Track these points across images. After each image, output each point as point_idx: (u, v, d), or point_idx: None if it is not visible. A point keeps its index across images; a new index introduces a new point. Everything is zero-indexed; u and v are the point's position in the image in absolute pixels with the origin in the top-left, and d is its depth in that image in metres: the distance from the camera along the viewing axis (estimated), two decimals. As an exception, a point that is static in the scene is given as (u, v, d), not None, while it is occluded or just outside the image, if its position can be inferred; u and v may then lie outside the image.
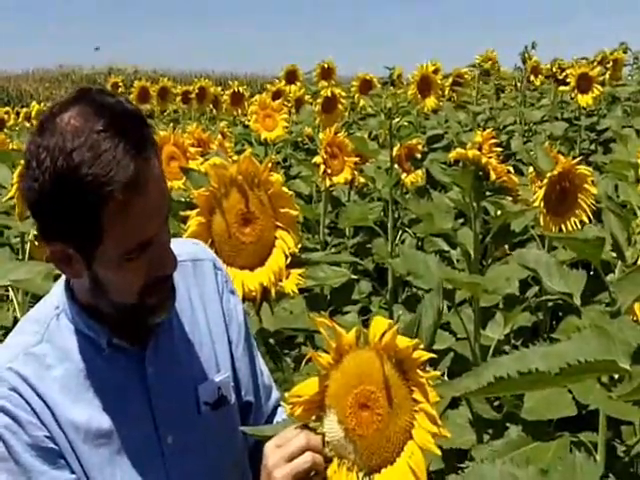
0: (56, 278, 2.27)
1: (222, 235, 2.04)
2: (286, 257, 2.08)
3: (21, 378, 1.53)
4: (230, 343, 1.80)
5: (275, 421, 1.87)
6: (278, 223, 2.09)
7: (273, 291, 2.08)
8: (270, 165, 2.04)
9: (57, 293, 1.65)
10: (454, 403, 2.69)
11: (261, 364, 1.92)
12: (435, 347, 3.12)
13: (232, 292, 1.85)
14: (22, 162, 2.89)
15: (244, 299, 2.02)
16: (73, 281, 1.60)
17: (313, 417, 1.34)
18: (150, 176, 1.43)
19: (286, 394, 1.36)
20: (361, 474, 1.31)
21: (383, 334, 1.28)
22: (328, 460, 1.33)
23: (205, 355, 1.74)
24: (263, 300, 2.10)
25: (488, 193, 2.64)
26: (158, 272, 1.53)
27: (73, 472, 1.55)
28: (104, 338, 1.58)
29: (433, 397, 1.28)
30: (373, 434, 1.29)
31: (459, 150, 2.69)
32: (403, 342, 1.27)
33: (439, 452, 1.29)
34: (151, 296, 1.54)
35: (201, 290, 1.78)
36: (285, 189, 2.08)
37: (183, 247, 1.76)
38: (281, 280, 2.11)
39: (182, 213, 2.02)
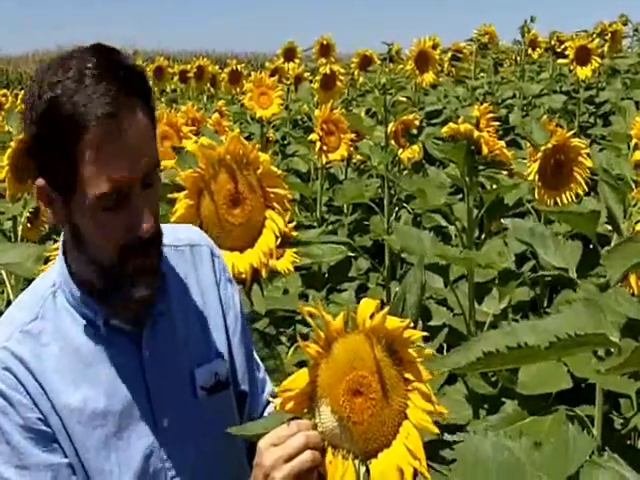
0: (46, 261, 2.26)
1: (211, 217, 2.02)
2: (276, 237, 2.06)
3: (16, 358, 1.51)
4: (227, 331, 1.78)
5: (267, 413, 1.85)
6: (267, 203, 2.07)
7: (264, 272, 2.07)
8: (258, 145, 2.02)
9: (55, 270, 1.63)
10: (451, 379, 2.69)
11: (257, 358, 1.92)
12: (432, 323, 3.14)
13: (229, 281, 1.83)
14: (12, 144, 2.92)
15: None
16: (69, 254, 1.58)
17: (305, 410, 1.32)
18: (129, 119, 1.43)
19: (276, 389, 1.34)
20: (357, 461, 1.30)
21: (371, 316, 1.25)
22: (322, 451, 1.31)
23: (202, 340, 1.72)
24: (253, 282, 2.08)
25: (481, 167, 2.62)
26: (133, 232, 1.48)
27: (66, 456, 1.53)
28: (101, 318, 1.57)
29: (426, 375, 1.27)
30: (368, 420, 1.27)
31: (451, 125, 2.67)
32: (393, 323, 1.25)
33: (436, 430, 1.28)
34: (128, 261, 1.51)
35: (199, 276, 1.76)
36: (274, 168, 2.06)
37: (181, 233, 1.77)
38: (272, 259, 2.09)
39: (170, 195, 2.00)
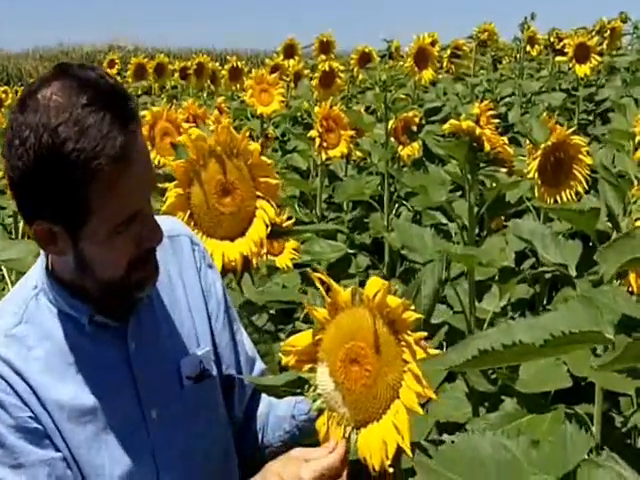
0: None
1: (201, 206, 2.04)
2: (267, 227, 2.08)
3: (3, 361, 1.53)
4: (209, 317, 1.81)
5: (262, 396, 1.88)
6: (258, 193, 2.09)
7: (254, 261, 2.08)
8: (248, 134, 2.04)
9: (35, 272, 1.64)
10: (451, 377, 2.68)
11: (244, 337, 1.92)
12: (431, 321, 3.13)
13: (210, 267, 1.85)
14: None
15: (225, 270, 2.02)
16: (54, 259, 1.59)
17: (306, 368, 1.39)
18: (136, 148, 1.42)
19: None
20: (349, 429, 1.35)
21: (376, 293, 1.29)
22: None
23: (186, 330, 1.74)
24: (244, 271, 2.11)
25: (483, 164, 2.61)
26: (146, 244, 1.53)
27: (59, 450, 1.55)
28: (85, 315, 1.58)
29: (420, 356, 1.30)
30: (361, 389, 1.32)
31: (453, 121, 2.65)
32: (394, 301, 1.29)
33: (421, 411, 1.30)
34: (138, 270, 1.54)
35: (179, 266, 1.78)
36: (264, 158, 2.08)
37: (159, 223, 1.77)
38: (262, 249, 2.11)
39: (160, 185, 2.01)
